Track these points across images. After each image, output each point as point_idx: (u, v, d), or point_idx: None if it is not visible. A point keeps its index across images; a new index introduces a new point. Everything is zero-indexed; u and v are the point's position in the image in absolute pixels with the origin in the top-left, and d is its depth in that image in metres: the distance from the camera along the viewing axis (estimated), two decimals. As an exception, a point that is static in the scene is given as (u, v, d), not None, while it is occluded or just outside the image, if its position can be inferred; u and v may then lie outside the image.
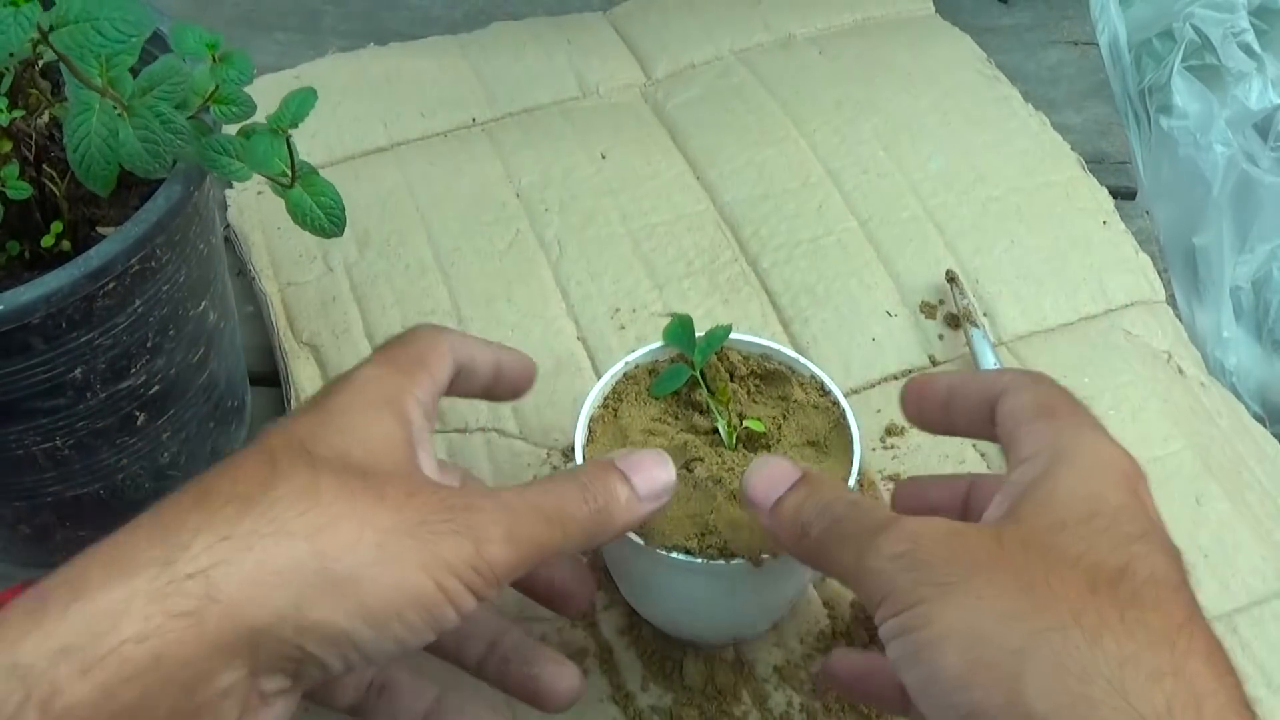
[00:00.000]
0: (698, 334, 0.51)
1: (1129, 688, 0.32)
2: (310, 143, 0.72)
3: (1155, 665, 0.33)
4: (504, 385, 0.47)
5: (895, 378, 0.62)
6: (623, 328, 0.64)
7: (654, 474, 0.42)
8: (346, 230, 0.47)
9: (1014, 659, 0.33)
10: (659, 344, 0.51)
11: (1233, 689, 0.34)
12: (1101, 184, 0.71)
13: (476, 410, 0.60)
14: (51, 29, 0.40)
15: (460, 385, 0.46)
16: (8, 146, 0.45)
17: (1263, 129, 0.74)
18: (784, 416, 0.49)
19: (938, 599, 0.35)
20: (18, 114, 0.45)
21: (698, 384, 0.50)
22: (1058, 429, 0.39)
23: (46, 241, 0.46)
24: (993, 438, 0.42)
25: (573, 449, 0.49)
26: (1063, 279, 0.66)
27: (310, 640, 0.34)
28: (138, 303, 0.46)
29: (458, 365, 0.45)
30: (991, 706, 0.33)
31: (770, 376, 0.51)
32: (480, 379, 0.46)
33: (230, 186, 0.71)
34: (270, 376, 0.64)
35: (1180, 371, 0.63)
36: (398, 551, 0.35)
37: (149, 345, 0.48)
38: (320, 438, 0.38)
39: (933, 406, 0.45)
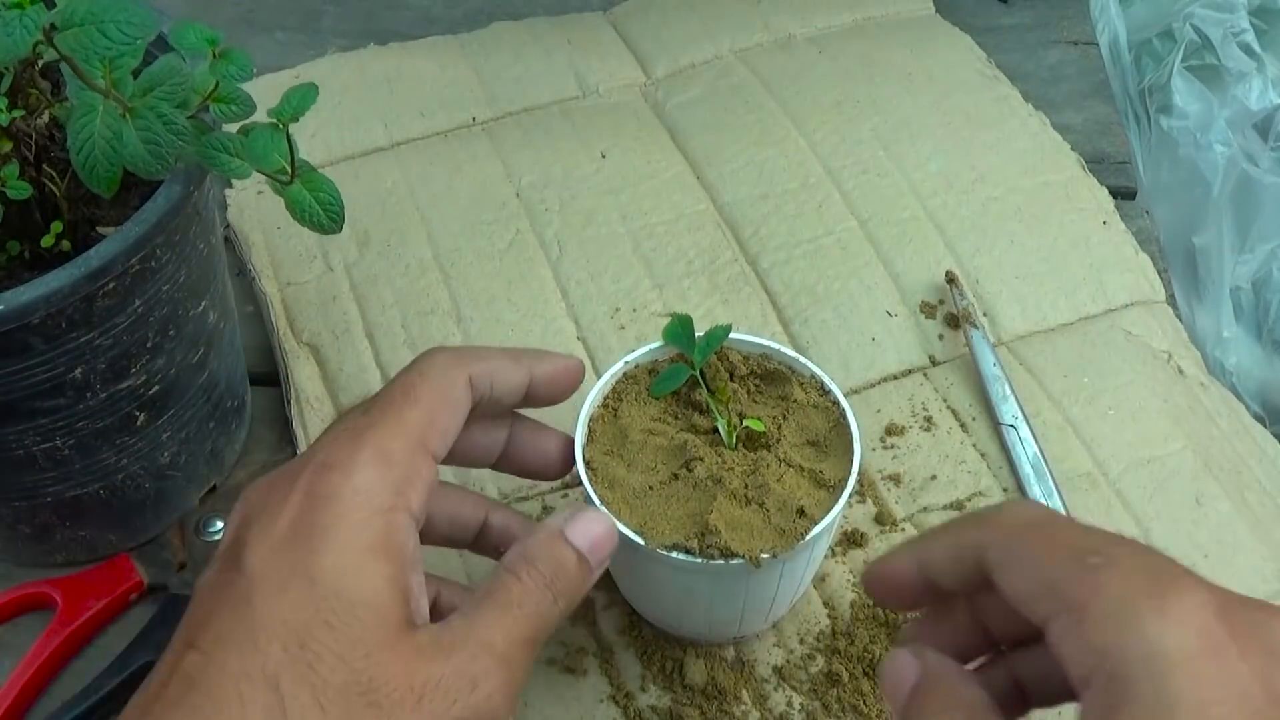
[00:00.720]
0: (697, 334, 0.51)
1: None
2: (310, 142, 0.73)
3: None
4: (541, 399, 0.46)
5: (895, 377, 0.62)
6: (623, 328, 0.64)
7: (599, 539, 0.42)
8: (346, 230, 0.47)
9: None
10: (659, 344, 0.51)
11: None
12: (1101, 184, 0.72)
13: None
14: (55, 30, 0.40)
15: (488, 409, 0.44)
16: (8, 146, 0.45)
17: (1263, 129, 0.74)
18: (784, 416, 0.49)
19: None
20: (18, 114, 0.45)
21: (697, 384, 0.50)
22: (1095, 629, 0.31)
23: (46, 241, 0.46)
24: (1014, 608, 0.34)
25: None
26: (1063, 279, 0.66)
27: None
28: (138, 303, 0.46)
29: (478, 396, 0.44)
30: None
31: (770, 376, 0.51)
32: (509, 401, 0.45)
33: (230, 186, 0.71)
34: (270, 376, 0.64)
35: (1180, 371, 0.63)
36: None
37: (149, 345, 0.48)
38: (319, 641, 0.36)
39: (909, 590, 0.38)
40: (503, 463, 0.48)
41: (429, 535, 0.45)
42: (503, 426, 0.48)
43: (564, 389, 0.47)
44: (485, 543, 0.47)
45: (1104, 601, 0.30)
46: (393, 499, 0.39)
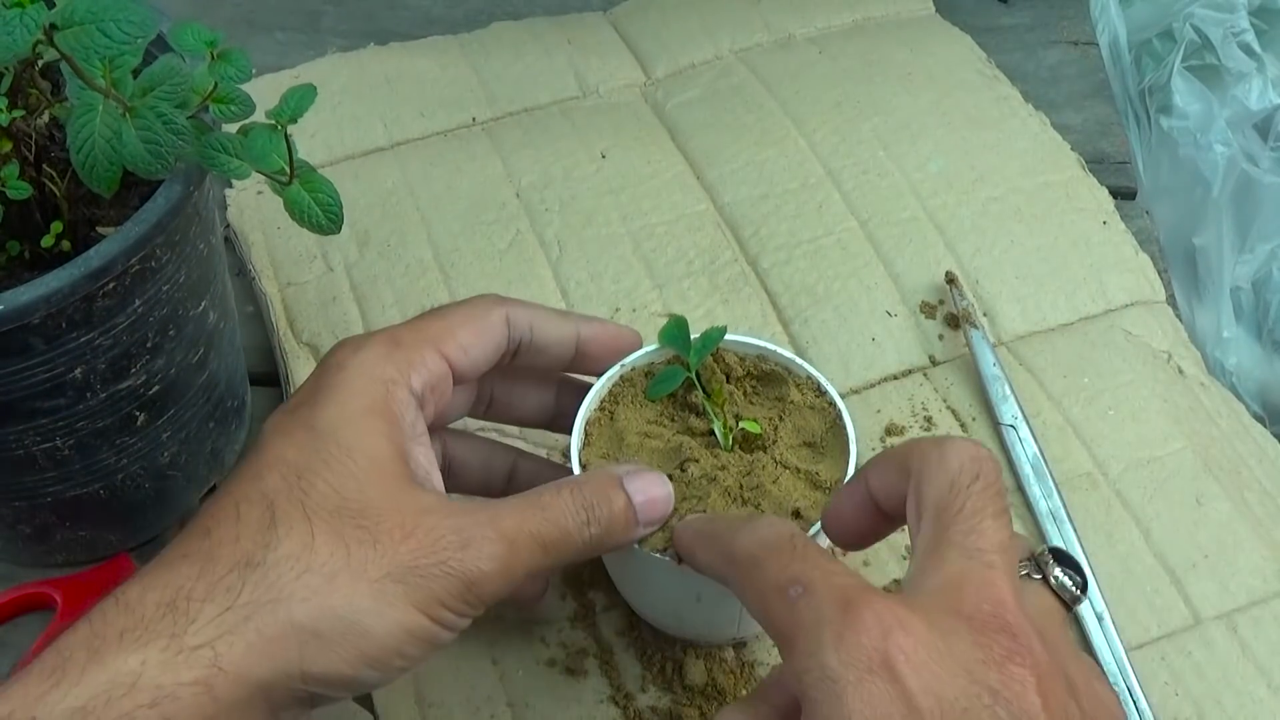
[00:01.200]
0: (696, 334, 0.51)
1: None
2: (310, 142, 0.73)
3: None
4: (590, 360, 0.47)
5: (895, 378, 0.62)
6: (623, 328, 0.64)
7: (656, 500, 0.43)
8: (346, 230, 0.47)
9: None
10: (655, 346, 0.51)
11: None
12: (1101, 184, 0.71)
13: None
14: (55, 29, 0.40)
15: (534, 360, 0.46)
16: (8, 146, 0.45)
17: (1263, 129, 0.74)
18: (780, 418, 0.49)
19: None
20: (18, 114, 0.45)
21: (693, 386, 0.50)
22: (795, 658, 0.34)
23: (46, 241, 0.46)
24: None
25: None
26: (1062, 279, 0.66)
27: (317, 685, 0.37)
28: (138, 303, 0.46)
29: (517, 339, 0.46)
30: None
31: (767, 378, 0.51)
32: (555, 353, 0.47)
33: (230, 186, 0.71)
34: (270, 376, 0.64)
35: (1180, 371, 0.63)
36: (392, 598, 0.38)
37: (149, 345, 0.48)
38: (315, 472, 0.39)
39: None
40: (556, 424, 0.51)
41: (464, 482, 0.49)
42: (551, 387, 0.50)
43: (615, 351, 0.48)
44: (516, 489, 0.48)
45: (799, 632, 0.34)
46: (394, 373, 0.42)
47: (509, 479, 0.50)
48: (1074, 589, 0.39)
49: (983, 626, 0.33)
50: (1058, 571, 0.39)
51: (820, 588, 0.35)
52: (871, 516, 0.41)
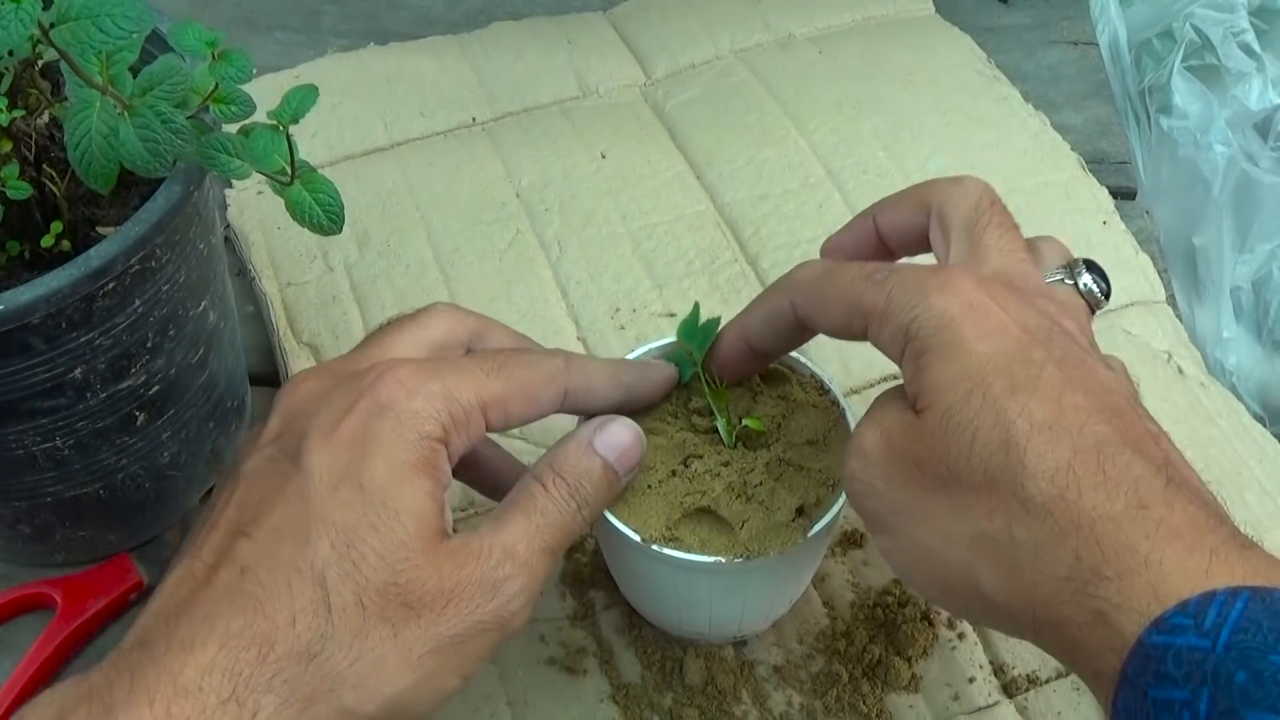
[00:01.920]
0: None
1: None
2: (310, 142, 0.73)
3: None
4: (632, 408, 0.48)
5: (895, 377, 0.62)
6: (623, 328, 0.64)
7: (627, 448, 0.45)
8: (346, 230, 0.47)
9: None
10: (656, 344, 0.51)
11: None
12: (1101, 184, 0.71)
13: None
14: (52, 25, 0.40)
15: (572, 409, 0.46)
16: (8, 146, 0.45)
17: (1263, 129, 0.74)
18: (783, 416, 0.49)
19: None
20: (18, 114, 0.45)
21: (698, 379, 0.50)
22: (895, 317, 0.41)
23: (46, 241, 0.46)
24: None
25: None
26: (1063, 279, 0.66)
27: None
28: (138, 303, 0.46)
29: (570, 406, 0.45)
30: None
31: (770, 376, 0.51)
32: (597, 408, 0.46)
33: (230, 186, 0.71)
34: (270, 376, 0.64)
35: (1180, 371, 0.63)
36: (433, 671, 0.40)
37: (149, 345, 0.48)
38: (364, 541, 0.39)
39: (742, 362, 0.48)
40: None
41: (469, 481, 0.50)
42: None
43: (657, 395, 0.49)
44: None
45: (896, 297, 0.40)
46: (442, 433, 0.41)
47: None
48: (1099, 293, 0.45)
49: (1034, 295, 0.41)
50: (1087, 277, 0.45)
51: (903, 268, 0.42)
52: (873, 250, 0.48)
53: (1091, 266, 0.45)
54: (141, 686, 0.36)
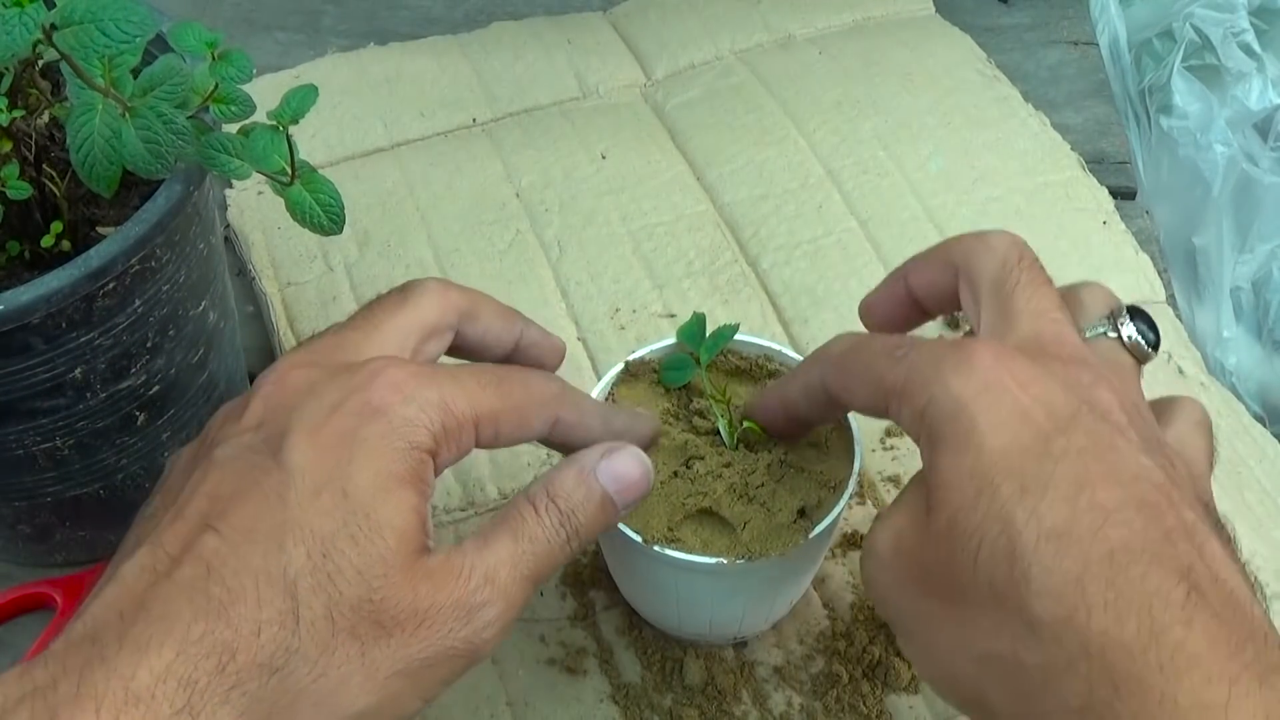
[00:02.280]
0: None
1: None
2: (310, 142, 0.73)
3: None
4: (524, 360, 0.46)
5: (895, 378, 0.62)
6: (623, 328, 0.64)
7: (632, 482, 0.42)
8: (346, 230, 0.47)
9: None
10: (658, 344, 0.51)
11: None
12: (1101, 184, 0.71)
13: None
14: (55, 29, 0.40)
15: (559, 439, 0.44)
16: (8, 146, 0.45)
17: (1263, 129, 0.74)
18: (784, 417, 0.49)
19: None
20: (18, 114, 0.45)
21: (700, 381, 0.50)
22: (913, 398, 0.38)
23: (46, 241, 0.46)
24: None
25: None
26: (1062, 279, 0.66)
27: None
28: (138, 303, 0.46)
29: (555, 430, 0.43)
30: None
31: (772, 378, 0.51)
32: (580, 444, 0.44)
33: (230, 186, 0.71)
34: (270, 376, 0.64)
35: (1180, 371, 0.63)
36: (398, 694, 0.37)
37: (149, 345, 0.48)
38: (341, 552, 0.36)
39: (784, 424, 0.46)
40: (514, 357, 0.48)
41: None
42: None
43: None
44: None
45: (913, 376, 0.38)
46: (432, 444, 0.39)
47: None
48: (1145, 345, 0.42)
49: (1068, 362, 0.38)
50: (1130, 328, 0.42)
51: (923, 343, 0.40)
52: (907, 310, 0.47)
53: (1136, 314, 0.42)
54: (89, 689, 0.33)
